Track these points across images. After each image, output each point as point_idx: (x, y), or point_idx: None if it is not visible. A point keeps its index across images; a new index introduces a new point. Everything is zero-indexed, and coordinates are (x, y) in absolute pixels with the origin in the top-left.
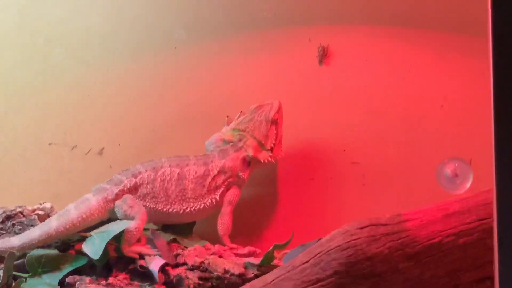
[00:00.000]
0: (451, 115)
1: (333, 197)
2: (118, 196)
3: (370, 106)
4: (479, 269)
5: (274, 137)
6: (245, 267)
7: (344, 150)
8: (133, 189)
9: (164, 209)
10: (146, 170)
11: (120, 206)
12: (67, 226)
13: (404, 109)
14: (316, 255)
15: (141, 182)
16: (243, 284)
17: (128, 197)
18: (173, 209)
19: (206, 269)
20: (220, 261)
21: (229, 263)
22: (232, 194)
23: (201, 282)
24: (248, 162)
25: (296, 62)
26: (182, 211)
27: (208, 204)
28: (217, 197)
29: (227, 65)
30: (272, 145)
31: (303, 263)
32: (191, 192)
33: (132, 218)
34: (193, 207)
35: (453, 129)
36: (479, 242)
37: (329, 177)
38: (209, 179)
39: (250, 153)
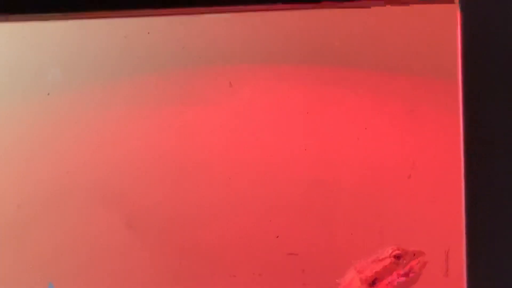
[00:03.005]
0: (422, 189)
1: None
2: None
3: (314, 176)
4: None
5: None
6: None
7: (278, 237)
8: None
9: None
10: None
11: None
12: None
13: (358, 181)
14: None
15: None
16: None
17: None
18: None
19: None
20: None
21: None
22: None
23: None
24: None
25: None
26: None
27: None
28: None
29: (121, 119)
30: None
31: None
32: None
33: None
34: None
35: (425, 207)
36: None
37: (257, 273)
38: None
39: None
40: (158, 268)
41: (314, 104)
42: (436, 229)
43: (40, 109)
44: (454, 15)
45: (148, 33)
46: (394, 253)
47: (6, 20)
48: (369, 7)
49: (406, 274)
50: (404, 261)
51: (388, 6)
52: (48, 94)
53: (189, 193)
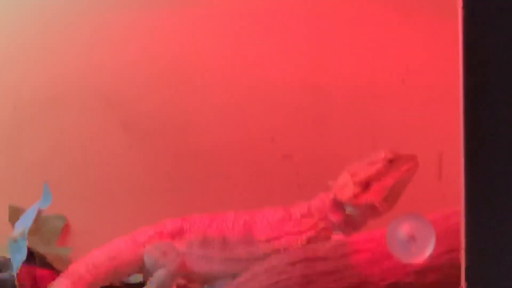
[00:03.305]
0: (416, 93)
1: (256, 202)
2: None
3: (309, 80)
4: None
5: None
6: None
7: (273, 139)
8: (176, 235)
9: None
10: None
11: (150, 253)
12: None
13: (352, 85)
14: None
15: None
16: None
17: (162, 243)
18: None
19: None
20: None
21: None
22: None
23: None
24: None
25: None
26: None
27: None
28: None
29: (116, 24)
30: None
31: None
32: None
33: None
34: None
35: (419, 111)
36: (449, 281)
37: (252, 175)
38: None
39: None
40: (153, 170)
41: (310, 8)
42: (429, 132)
43: (37, 12)
44: None
45: None
46: (387, 157)
47: None
48: None
49: (399, 177)
50: (397, 165)
51: None
52: None
53: (185, 97)
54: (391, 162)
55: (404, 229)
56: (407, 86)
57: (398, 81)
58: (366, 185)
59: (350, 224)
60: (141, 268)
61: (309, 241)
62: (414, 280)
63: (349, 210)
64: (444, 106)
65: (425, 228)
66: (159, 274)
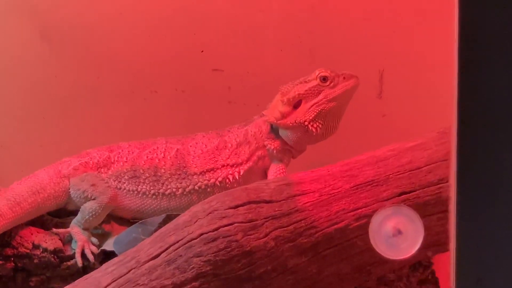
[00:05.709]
0: (356, 4)
1: (184, 119)
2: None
3: None
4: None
5: None
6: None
7: (202, 51)
8: (103, 166)
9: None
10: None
11: (77, 185)
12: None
13: None
14: (170, 246)
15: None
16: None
17: (89, 174)
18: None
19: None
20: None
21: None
22: None
23: None
24: None
25: None
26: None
27: None
28: None
29: None
30: None
31: (152, 258)
32: None
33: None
34: None
35: (359, 25)
36: None
37: (180, 89)
38: None
39: None
40: (74, 82)
41: None
42: (370, 50)
43: None
44: None
45: None
46: (320, 75)
47: None
48: None
49: (332, 96)
50: (332, 83)
51: None
52: None
53: (109, 4)
54: (324, 80)
55: (389, 223)
56: None
57: None
58: (296, 104)
59: (287, 152)
60: (67, 201)
61: (246, 173)
62: (362, 224)
63: (282, 133)
64: (385, 22)
65: (412, 222)
66: (89, 207)
